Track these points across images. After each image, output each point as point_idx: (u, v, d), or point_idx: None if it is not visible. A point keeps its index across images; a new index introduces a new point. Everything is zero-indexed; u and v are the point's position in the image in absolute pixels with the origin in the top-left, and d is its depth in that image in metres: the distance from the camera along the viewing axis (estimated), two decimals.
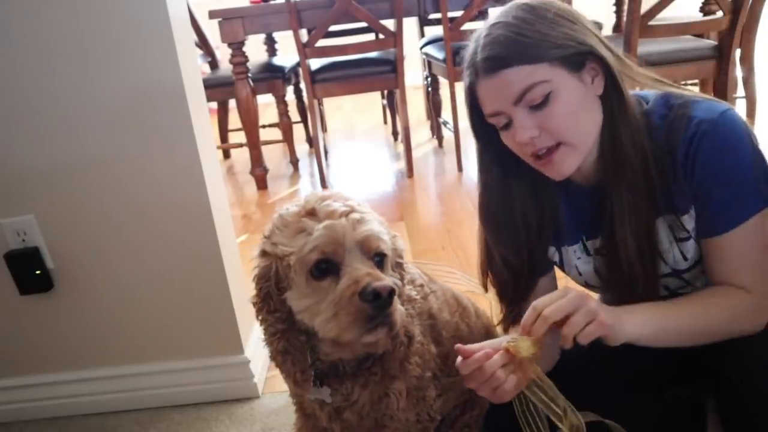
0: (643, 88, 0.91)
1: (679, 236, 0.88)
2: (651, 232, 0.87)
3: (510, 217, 0.94)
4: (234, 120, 3.40)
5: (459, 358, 0.80)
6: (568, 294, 0.77)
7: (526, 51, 0.80)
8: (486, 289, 1.03)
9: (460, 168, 3.03)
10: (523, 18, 0.81)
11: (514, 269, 0.96)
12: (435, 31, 3.86)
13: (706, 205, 0.83)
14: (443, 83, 3.51)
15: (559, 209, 0.95)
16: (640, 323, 0.81)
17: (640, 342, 0.82)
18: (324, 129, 4.10)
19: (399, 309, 0.83)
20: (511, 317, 1.00)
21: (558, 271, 1.05)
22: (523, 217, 0.94)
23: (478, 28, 0.88)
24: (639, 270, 0.87)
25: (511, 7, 0.84)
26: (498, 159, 0.92)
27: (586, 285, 1.02)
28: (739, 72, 2.91)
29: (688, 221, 0.86)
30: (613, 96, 0.84)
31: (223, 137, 3.69)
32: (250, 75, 2.97)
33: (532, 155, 0.85)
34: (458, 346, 0.81)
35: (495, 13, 0.85)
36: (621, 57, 0.86)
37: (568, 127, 0.82)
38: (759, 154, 0.82)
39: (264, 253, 0.89)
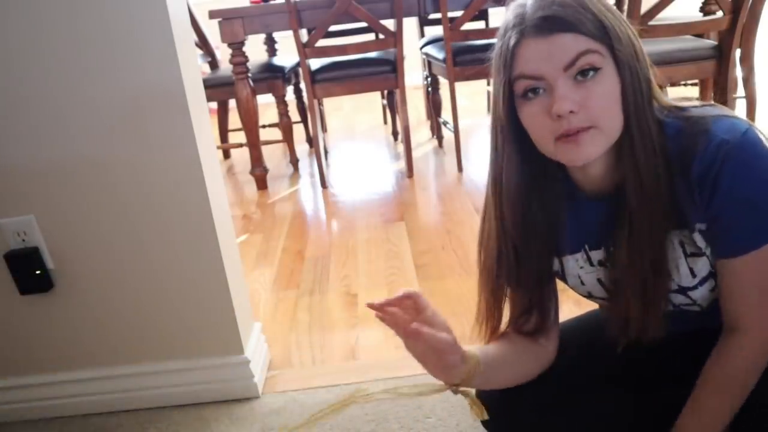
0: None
1: (689, 251, 0.85)
2: (664, 247, 0.84)
3: (527, 212, 0.89)
4: (234, 120, 3.40)
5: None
6: None
7: (591, 27, 0.75)
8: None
9: (460, 168, 3.03)
10: None
11: (531, 259, 0.92)
12: (435, 31, 3.87)
13: (724, 228, 0.80)
14: (443, 83, 3.50)
15: (565, 217, 0.92)
16: None
17: None
18: (324, 129, 4.10)
19: None
20: (522, 322, 0.97)
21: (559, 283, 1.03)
22: (539, 218, 0.90)
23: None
24: (650, 284, 0.84)
25: None
26: (521, 155, 0.86)
27: (590, 296, 0.99)
28: (739, 72, 2.91)
29: (699, 239, 0.83)
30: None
31: (223, 137, 3.69)
32: (250, 75, 2.97)
33: (559, 136, 0.78)
34: (368, 303, 0.80)
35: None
36: (653, 81, 0.81)
37: (606, 112, 0.77)
38: None
39: None
